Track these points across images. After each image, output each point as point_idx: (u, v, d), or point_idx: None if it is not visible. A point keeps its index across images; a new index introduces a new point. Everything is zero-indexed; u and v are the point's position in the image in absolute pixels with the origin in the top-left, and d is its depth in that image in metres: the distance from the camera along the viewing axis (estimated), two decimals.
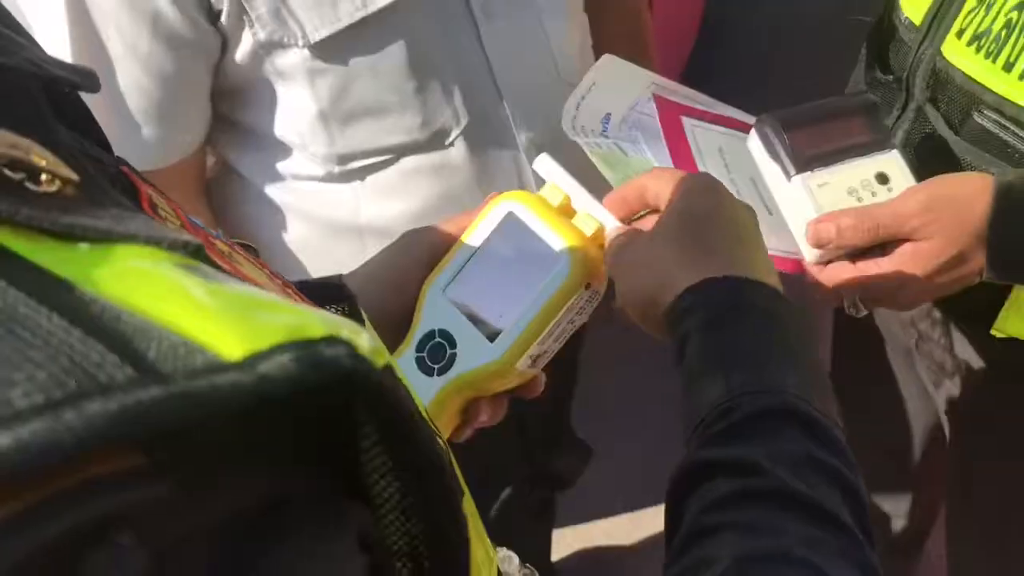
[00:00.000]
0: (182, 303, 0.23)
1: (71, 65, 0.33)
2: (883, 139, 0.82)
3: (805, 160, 0.79)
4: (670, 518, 0.45)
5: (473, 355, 0.61)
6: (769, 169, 0.82)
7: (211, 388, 0.21)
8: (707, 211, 0.55)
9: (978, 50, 0.79)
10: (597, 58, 0.95)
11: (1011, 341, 0.88)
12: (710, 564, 0.40)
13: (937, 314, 0.99)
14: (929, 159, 0.86)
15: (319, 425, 0.26)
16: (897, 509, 1.34)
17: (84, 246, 0.24)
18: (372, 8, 0.80)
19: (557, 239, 0.60)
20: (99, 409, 0.19)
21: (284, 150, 0.89)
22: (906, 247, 0.76)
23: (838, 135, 0.81)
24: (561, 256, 0.59)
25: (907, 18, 0.88)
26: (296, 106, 0.85)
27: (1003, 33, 0.77)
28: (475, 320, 0.61)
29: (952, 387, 1.04)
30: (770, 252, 0.80)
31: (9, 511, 0.19)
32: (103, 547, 0.20)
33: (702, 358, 0.48)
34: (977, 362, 0.98)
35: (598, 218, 0.61)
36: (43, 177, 0.26)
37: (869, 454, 1.32)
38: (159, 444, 0.21)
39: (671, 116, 0.88)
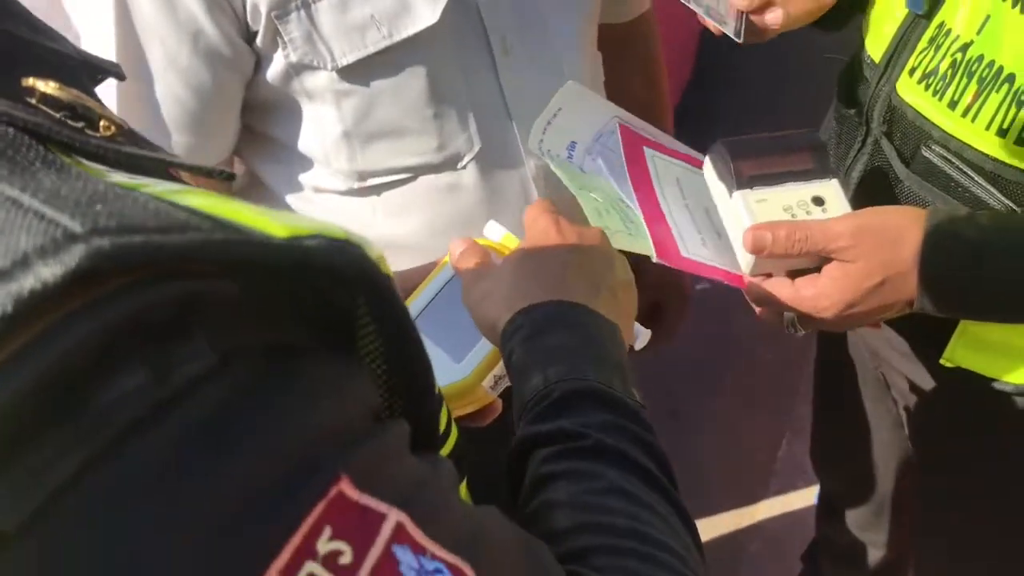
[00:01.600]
0: (236, 209, 0.30)
1: (101, 57, 0.41)
2: (824, 169, 0.86)
3: (747, 179, 0.84)
4: (512, 484, 0.54)
5: (442, 375, 0.66)
6: (717, 189, 0.86)
7: (268, 241, 0.29)
8: (537, 252, 0.66)
9: (927, 88, 0.83)
10: (610, 97, 1.00)
11: (959, 371, 0.91)
12: (551, 505, 0.49)
13: (899, 344, 1.02)
14: (883, 191, 0.89)
15: (331, 318, 0.34)
16: (875, 539, 1.36)
17: (150, 180, 0.32)
18: (397, 38, 0.85)
19: None
20: (200, 235, 0.28)
21: (307, 163, 0.94)
22: (834, 267, 0.79)
23: (782, 163, 0.85)
24: None
25: (869, 56, 0.92)
26: (322, 124, 0.90)
27: (948, 73, 0.81)
28: (443, 346, 0.68)
29: (913, 417, 1.07)
30: (718, 269, 0.84)
31: (145, 274, 0.26)
32: (186, 340, 0.27)
33: (525, 361, 0.59)
34: (931, 392, 1.00)
35: None
36: (101, 124, 0.33)
37: (846, 483, 1.36)
38: (231, 273, 0.29)
39: (634, 145, 0.93)
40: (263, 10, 0.83)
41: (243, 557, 0.26)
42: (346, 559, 0.28)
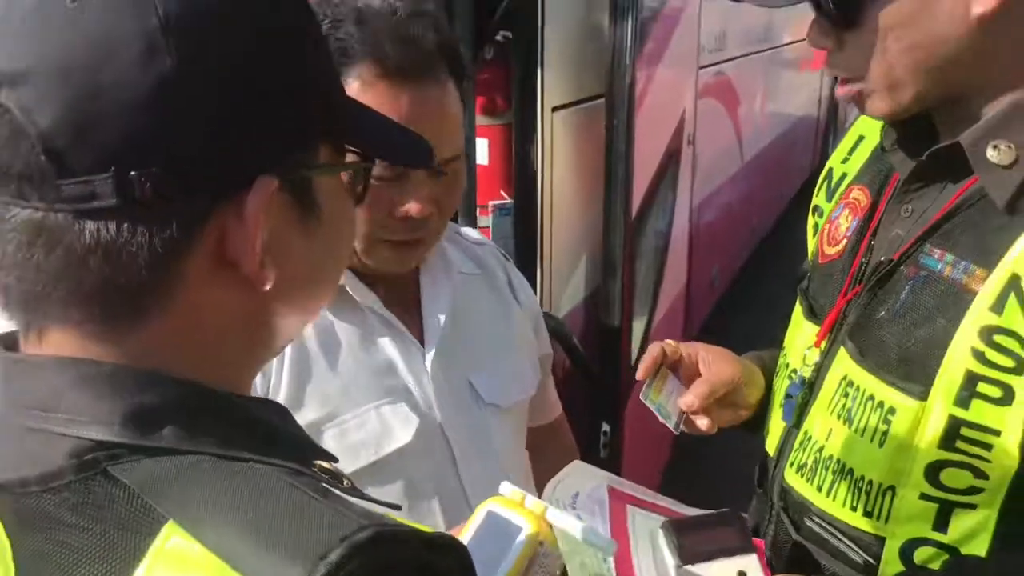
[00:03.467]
0: (410, 523, 0.58)
1: (327, 451, 0.68)
2: (747, 545, 1.18)
3: (689, 555, 1.15)
4: None
5: None
6: (668, 560, 1.17)
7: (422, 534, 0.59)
8: None
9: (802, 476, 1.18)
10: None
11: None
12: None
13: None
14: (787, 551, 1.21)
15: None
16: None
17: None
18: (382, 454, 1.21)
19: (520, 517, 0.97)
20: (409, 529, 0.56)
21: None
22: None
23: (716, 539, 1.17)
24: (524, 524, 0.96)
25: (767, 451, 1.28)
26: None
27: (814, 466, 1.16)
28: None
29: None
30: None
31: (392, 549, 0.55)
32: None
33: None
34: None
35: (543, 504, 0.99)
36: (344, 481, 0.61)
37: None
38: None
39: (619, 504, 1.25)
40: None
41: None
42: None
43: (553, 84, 2.52)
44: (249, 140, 0.59)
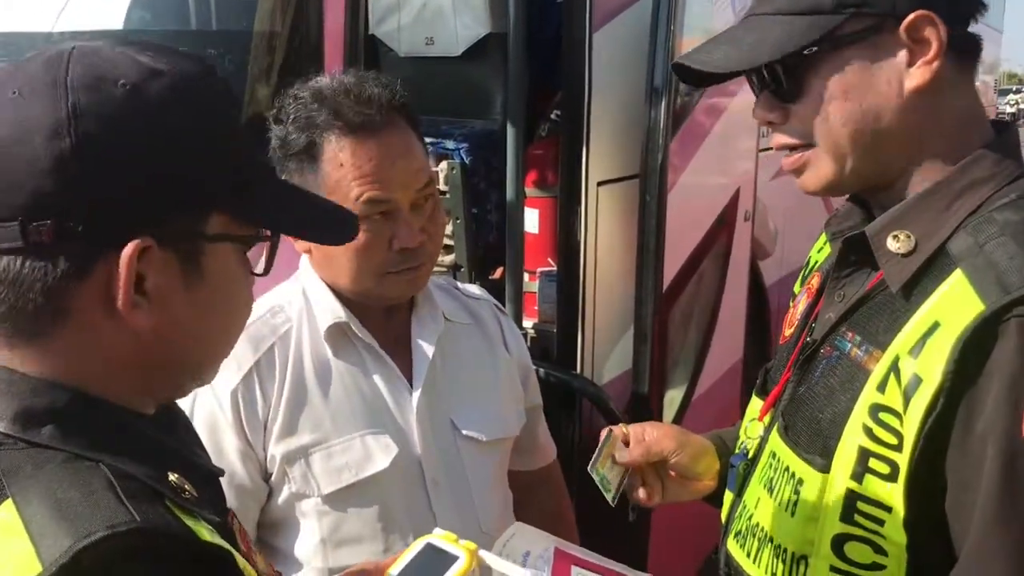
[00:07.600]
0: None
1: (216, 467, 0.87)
2: None
3: None
4: None
5: None
6: None
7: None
8: None
9: (738, 544, 1.25)
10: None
11: None
12: None
13: None
14: None
15: None
16: None
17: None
18: (361, 476, 1.37)
19: (457, 549, 1.11)
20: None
21: (296, 564, 1.41)
22: None
23: None
24: (460, 553, 1.11)
25: (721, 519, 1.36)
26: (307, 534, 1.39)
27: (746, 533, 1.23)
28: None
29: None
30: None
31: None
32: None
33: None
34: None
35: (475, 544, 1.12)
36: (185, 493, 0.75)
37: None
38: None
39: (563, 564, 1.34)
40: (278, 459, 1.36)
41: None
42: None
43: (598, 161, 2.66)
44: (129, 207, 0.73)
